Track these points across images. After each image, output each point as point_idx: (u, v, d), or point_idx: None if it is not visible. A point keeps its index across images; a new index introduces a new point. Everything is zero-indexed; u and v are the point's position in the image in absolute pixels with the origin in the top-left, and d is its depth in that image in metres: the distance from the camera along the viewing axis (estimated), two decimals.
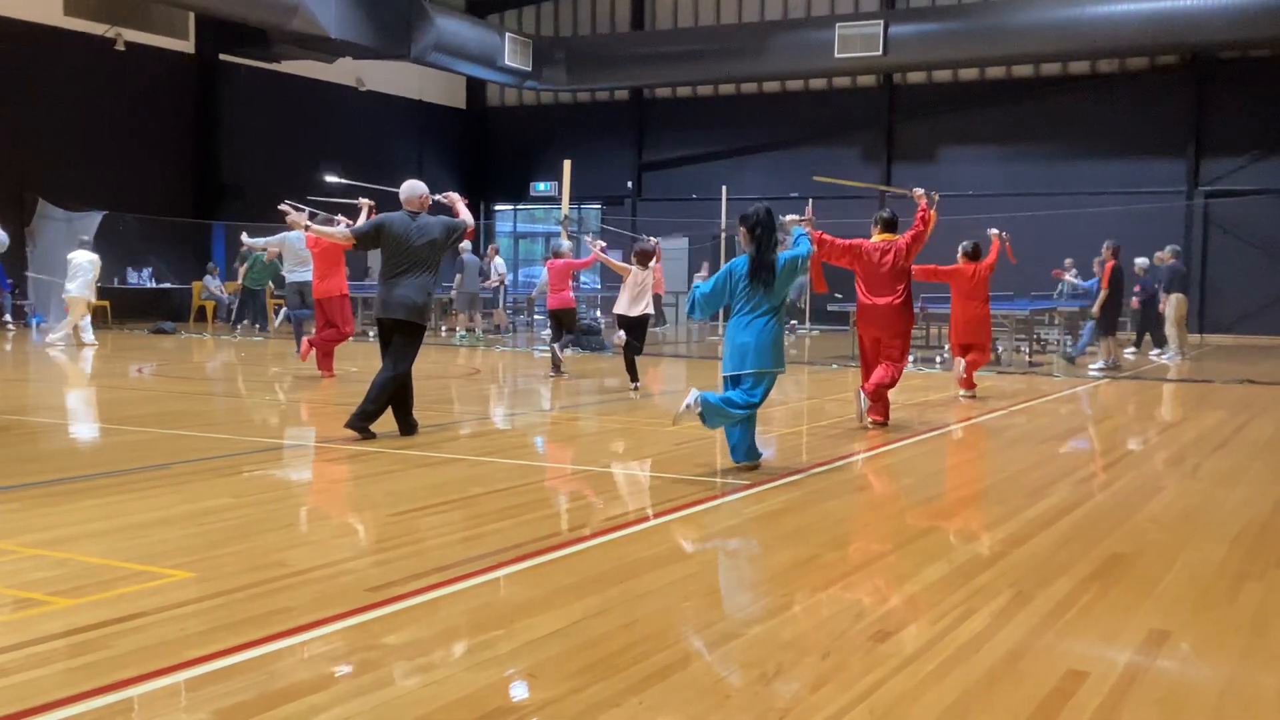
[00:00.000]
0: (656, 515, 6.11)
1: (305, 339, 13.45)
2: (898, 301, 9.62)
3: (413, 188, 8.72)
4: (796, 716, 3.26)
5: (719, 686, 3.50)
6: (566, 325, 14.05)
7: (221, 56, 25.83)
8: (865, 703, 3.37)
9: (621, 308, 12.71)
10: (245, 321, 22.56)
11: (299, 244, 14.90)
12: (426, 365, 14.58)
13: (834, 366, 16.04)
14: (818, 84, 29.53)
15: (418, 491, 6.59)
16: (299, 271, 15.30)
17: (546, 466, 8.00)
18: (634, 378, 12.40)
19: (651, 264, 12.94)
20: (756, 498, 6.57)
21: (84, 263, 17.49)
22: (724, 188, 23.31)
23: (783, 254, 7.41)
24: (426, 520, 5.84)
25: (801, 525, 6.05)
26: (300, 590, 4.43)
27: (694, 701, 3.35)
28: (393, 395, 8.50)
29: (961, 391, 11.99)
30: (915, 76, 28.64)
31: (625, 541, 5.44)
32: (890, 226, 10.00)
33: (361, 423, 8.38)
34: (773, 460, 7.82)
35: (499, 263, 23.75)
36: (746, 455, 7.36)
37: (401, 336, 8.56)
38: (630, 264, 12.90)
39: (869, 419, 9.49)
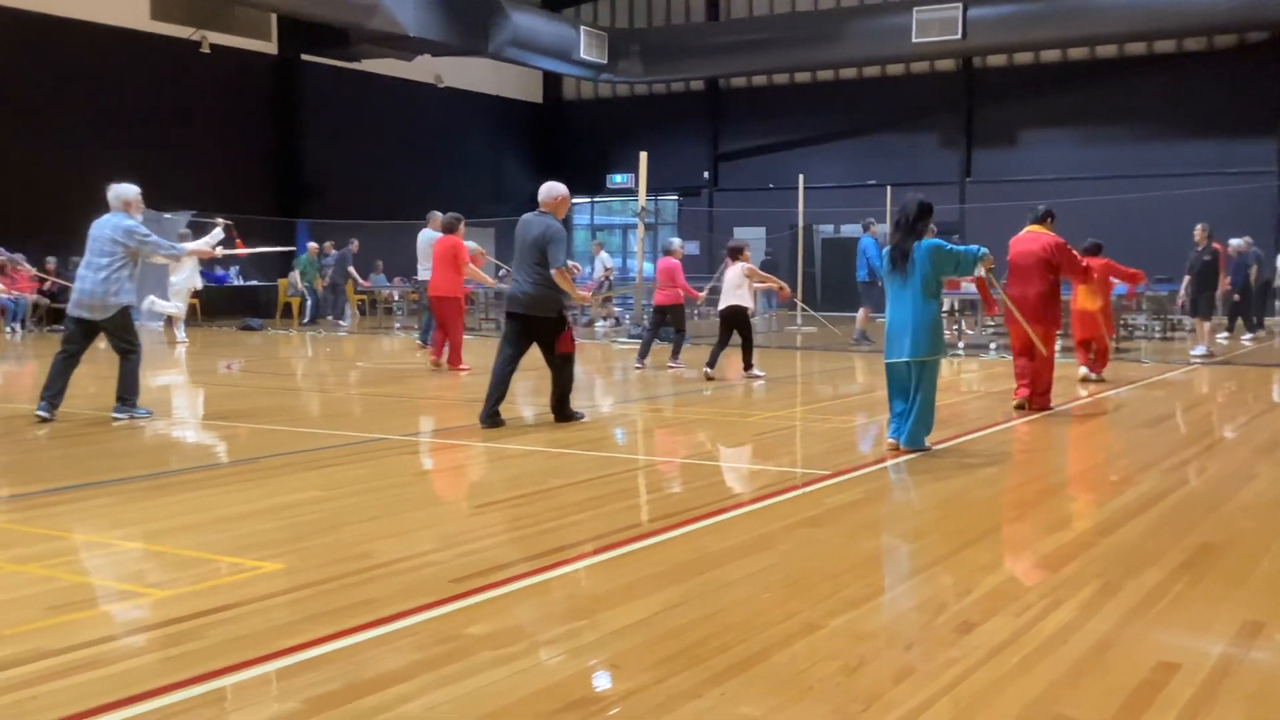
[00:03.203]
0: (736, 506, 6.10)
1: (435, 344, 13.70)
2: None
3: (549, 189, 8.96)
4: (879, 709, 3.24)
5: (800, 678, 3.49)
6: (675, 323, 14.09)
7: (303, 56, 26.29)
8: (949, 695, 3.34)
9: (722, 302, 12.90)
10: (328, 317, 23.00)
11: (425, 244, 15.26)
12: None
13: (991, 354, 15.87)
14: (895, 70, 29.19)
15: (499, 484, 6.67)
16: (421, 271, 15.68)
17: (626, 458, 8.03)
18: (747, 364, 12.70)
19: (740, 259, 12.96)
20: (838, 487, 6.54)
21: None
22: (800, 176, 23.14)
23: (927, 240, 7.50)
24: (507, 512, 5.90)
25: (883, 515, 6.01)
26: (386, 582, 4.51)
27: (775, 693, 3.35)
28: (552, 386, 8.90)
29: (1091, 374, 12.20)
30: (995, 60, 28.17)
31: (705, 532, 5.44)
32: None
33: (561, 411, 8.86)
34: (856, 449, 7.77)
35: (605, 257, 23.77)
36: (910, 439, 7.48)
37: (538, 333, 8.85)
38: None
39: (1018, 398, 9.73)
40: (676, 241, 14.94)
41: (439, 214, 14.76)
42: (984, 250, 7.89)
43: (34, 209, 20.17)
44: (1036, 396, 9.77)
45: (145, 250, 9.02)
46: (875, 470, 7.06)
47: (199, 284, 18.85)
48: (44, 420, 8.76)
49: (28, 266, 12.33)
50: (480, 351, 15.70)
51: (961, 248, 7.75)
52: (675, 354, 14.00)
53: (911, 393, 7.54)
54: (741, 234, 23.33)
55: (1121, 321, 17.24)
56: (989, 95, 28.23)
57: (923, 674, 3.51)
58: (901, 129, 28.91)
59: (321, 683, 3.41)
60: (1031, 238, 9.98)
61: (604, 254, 23.89)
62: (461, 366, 13.31)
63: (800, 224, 23.81)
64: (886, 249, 7.68)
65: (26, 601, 4.24)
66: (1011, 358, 10.12)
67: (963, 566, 4.93)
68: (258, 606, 4.16)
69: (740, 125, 31.17)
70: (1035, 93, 27.58)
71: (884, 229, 22.30)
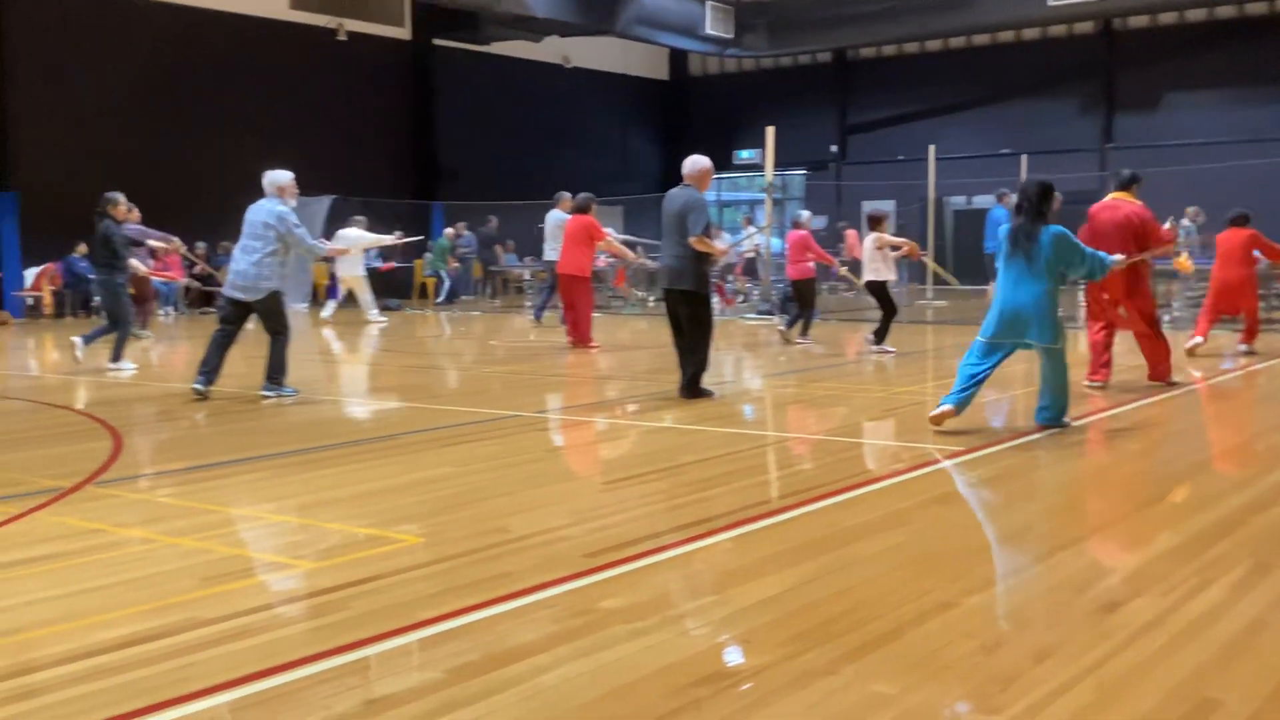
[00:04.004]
0: (869, 482, 6.04)
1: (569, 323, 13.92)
2: None
3: (693, 162, 9.02)
4: (1020, 689, 3.18)
5: (936, 657, 3.45)
6: (805, 297, 14.01)
7: (435, 41, 26.75)
8: (1092, 676, 3.27)
9: (866, 274, 12.88)
10: (465, 297, 23.46)
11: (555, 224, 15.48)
12: (638, 334, 14.82)
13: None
14: (1030, 34, 28.31)
15: (630, 460, 6.72)
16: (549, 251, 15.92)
17: (756, 434, 8.01)
18: (876, 338, 12.57)
19: (878, 229, 12.83)
20: (974, 464, 6.42)
21: (348, 241, 18.45)
22: (931, 147, 22.65)
23: (1055, 226, 7.28)
24: (639, 488, 5.96)
25: (1021, 491, 5.88)
26: (521, 555, 4.60)
27: (910, 671, 3.32)
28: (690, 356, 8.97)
29: (1241, 346, 11.81)
30: (1137, 21, 27.09)
31: (836, 509, 5.40)
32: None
33: (690, 389, 8.93)
34: (991, 424, 7.61)
35: (752, 231, 23.56)
36: (1047, 418, 7.34)
37: (680, 305, 8.94)
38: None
39: (1091, 380, 9.20)
40: (805, 214, 14.82)
41: (567, 195, 14.91)
42: (1115, 259, 7.67)
43: (184, 196, 20.97)
44: (1155, 367, 9.34)
45: (290, 239, 9.31)
46: (1012, 446, 6.90)
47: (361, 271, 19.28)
48: (199, 394, 9.14)
49: (181, 245, 12.85)
50: (609, 330, 15.84)
51: (1091, 251, 7.44)
52: (804, 330, 13.92)
53: (1042, 376, 7.36)
54: (876, 207, 22.97)
55: (1276, 293, 16.48)
56: (1130, 58, 27.17)
57: (1064, 655, 3.43)
58: (1037, 95, 28.04)
59: (461, 653, 3.50)
60: (1114, 205, 9.34)
61: (752, 228, 23.71)
62: (591, 344, 13.44)
63: (931, 196, 23.31)
64: (1004, 228, 7.45)
65: (183, 573, 4.45)
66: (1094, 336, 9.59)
67: (1105, 545, 4.80)
68: (399, 579, 4.28)
69: (869, 96, 30.65)
70: (1180, 54, 26.44)
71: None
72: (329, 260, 18.58)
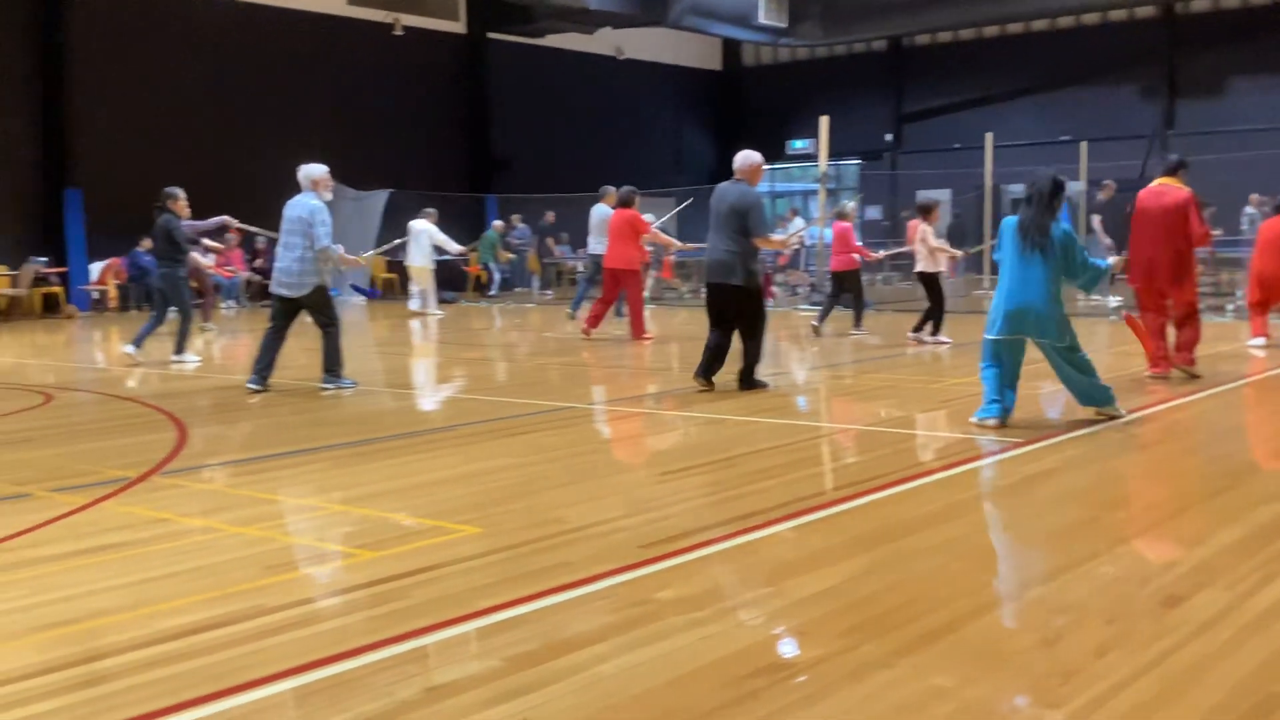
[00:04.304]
0: (924, 474, 6.00)
1: (593, 312, 13.97)
2: None
3: (744, 157, 9.01)
4: (1081, 683, 3.15)
5: (995, 650, 3.43)
6: (850, 288, 13.94)
7: (489, 35, 26.89)
8: (1155, 670, 3.23)
9: (917, 266, 12.78)
10: (519, 289, 23.55)
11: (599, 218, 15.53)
12: (693, 326, 14.82)
13: (1112, 318, 15.24)
14: (1090, 19, 27.88)
15: (685, 451, 6.73)
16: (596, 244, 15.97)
17: (811, 426, 7.99)
18: (933, 329, 12.49)
19: (927, 220, 12.72)
20: (1032, 456, 6.35)
21: (417, 231, 18.67)
22: (988, 135, 22.39)
23: (1066, 226, 7.13)
24: (694, 479, 5.96)
25: (1081, 484, 5.81)
26: (578, 546, 4.63)
27: (969, 664, 3.30)
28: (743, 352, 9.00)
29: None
30: (1200, 4, 26.60)
31: (892, 501, 5.38)
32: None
33: (745, 381, 8.96)
34: (1048, 416, 7.53)
35: (799, 223, 23.51)
36: (1092, 400, 7.23)
37: (731, 300, 8.95)
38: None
39: (1153, 372, 9.07)
40: (849, 204, 14.73)
41: (612, 189, 14.92)
42: (1109, 263, 7.52)
43: (243, 191, 21.27)
44: (1180, 352, 9.14)
45: (311, 234, 9.17)
46: (1069, 439, 6.82)
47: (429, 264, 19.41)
48: (255, 392, 9.28)
49: (234, 220, 13.02)
50: (661, 321, 15.85)
51: (1093, 261, 7.21)
52: (857, 321, 13.84)
53: (1065, 373, 7.18)
54: (927, 196, 22.78)
55: None
56: (1193, 42, 26.68)
57: (1126, 649, 3.40)
58: (1096, 81, 27.61)
59: (520, 642, 3.53)
60: (1160, 191, 9.15)
61: (798, 220, 23.61)
62: (645, 335, 13.47)
63: (988, 184, 23.05)
64: (1011, 220, 7.18)
65: (247, 561, 4.52)
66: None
67: (1167, 538, 4.74)
68: (457, 568, 4.33)
69: (924, 84, 30.36)
70: (1243, 38, 25.91)
71: (1076, 186, 21.42)
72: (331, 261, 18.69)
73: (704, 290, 9.23)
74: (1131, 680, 3.16)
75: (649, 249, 15.63)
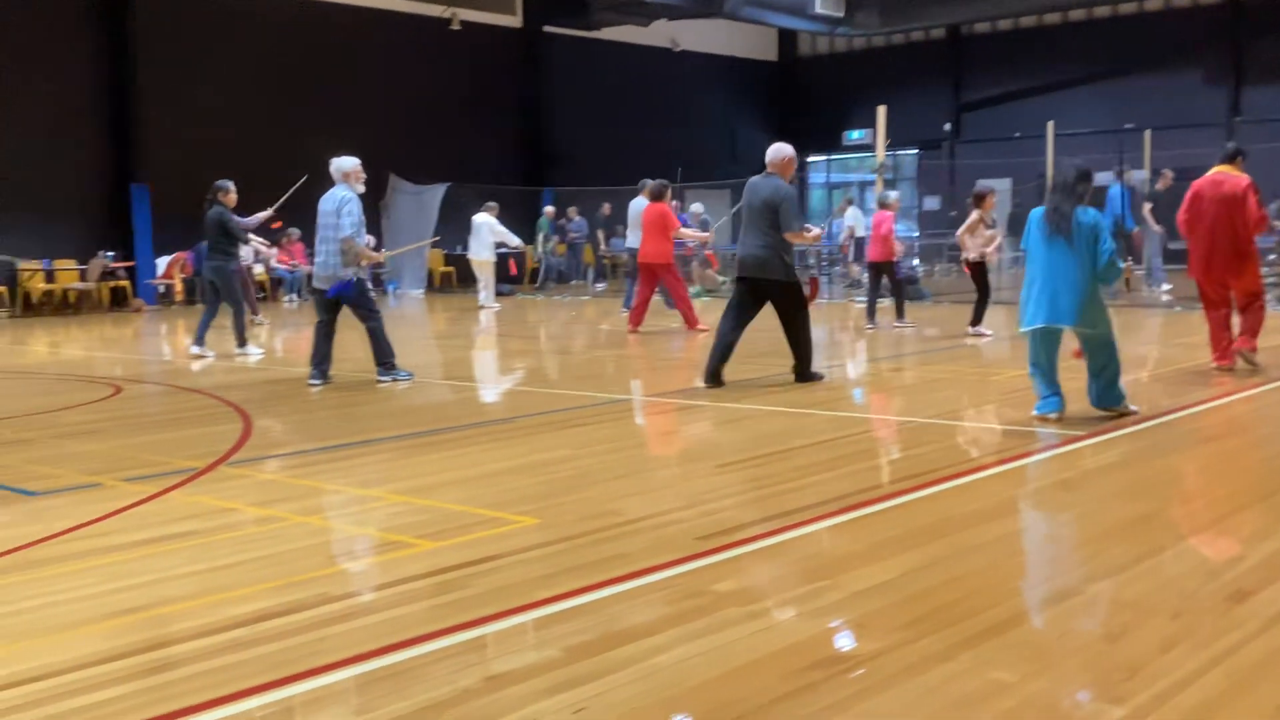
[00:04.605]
0: (983, 468, 5.96)
1: (633, 311, 13.98)
2: None
3: (777, 150, 8.97)
4: (1145, 679, 3.12)
5: (1057, 644, 3.40)
6: (892, 280, 13.84)
7: (545, 28, 26.97)
8: (1221, 666, 3.19)
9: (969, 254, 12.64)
10: (575, 282, 23.61)
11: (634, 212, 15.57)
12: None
13: (1176, 309, 15.00)
14: (1153, 5, 27.41)
15: (741, 443, 6.73)
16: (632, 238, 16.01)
17: (866, 418, 7.96)
18: (974, 319, 12.32)
19: (981, 207, 12.57)
20: (1093, 449, 6.28)
21: (478, 225, 18.86)
22: (1050, 123, 22.07)
23: (1092, 214, 6.96)
24: (750, 472, 5.96)
25: (1144, 478, 5.74)
26: (635, 538, 4.65)
27: (1030, 659, 3.28)
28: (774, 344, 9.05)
29: None
30: None
31: (950, 494, 5.34)
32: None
33: (802, 374, 8.90)
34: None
35: (854, 213, 23.29)
36: (1105, 401, 7.06)
37: (770, 296, 8.89)
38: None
39: (1219, 364, 8.92)
40: (892, 194, 14.58)
41: (650, 182, 14.91)
42: (1123, 265, 7.35)
43: (307, 185, 21.58)
44: (1241, 335, 8.95)
45: (340, 223, 9.18)
46: (1131, 432, 6.73)
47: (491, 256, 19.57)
48: (315, 386, 9.38)
49: (269, 214, 13.19)
50: (714, 313, 15.81)
51: (1114, 257, 7.00)
52: (899, 313, 13.69)
53: (1094, 362, 7.03)
54: (984, 184, 22.51)
55: None
56: (1259, 28, 26.08)
57: (1192, 644, 3.36)
58: (1160, 68, 27.10)
59: (578, 632, 3.56)
60: (1218, 180, 8.94)
61: (853, 209, 23.42)
62: (699, 326, 13.48)
63: (1049, 173, 22.74)
64: (1038, 210, 7.07)
65: (310, 551, 4.60)
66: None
67: (1234, 532, 4.66)
68: (517, 559, 4.37)
69: (984, 73, 29.99)
70: None
71: (1139, 175, 21.07)
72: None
73: (739, 284, 9.13)
74: (1197, 676, 3.12)
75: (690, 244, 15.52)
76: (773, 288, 8.86)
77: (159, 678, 3.28)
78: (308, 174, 12.46)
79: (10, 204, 19.67)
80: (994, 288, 12.84)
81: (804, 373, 8.97)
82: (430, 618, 3.74)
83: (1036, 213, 7.10)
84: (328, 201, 9.36)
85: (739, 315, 9.00)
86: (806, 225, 9.12)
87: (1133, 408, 7.09)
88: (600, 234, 25.06)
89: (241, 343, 11.87)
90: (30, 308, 19.83)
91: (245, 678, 3.25)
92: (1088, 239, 6.83)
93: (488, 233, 18.69)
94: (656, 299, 14.57)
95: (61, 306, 20.03)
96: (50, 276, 20.17)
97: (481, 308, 18.69)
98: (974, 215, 12.47)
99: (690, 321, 13.55)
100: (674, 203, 14.94)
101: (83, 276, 20.18)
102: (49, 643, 3.58)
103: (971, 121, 30.42)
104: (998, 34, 30.00)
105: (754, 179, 9.05)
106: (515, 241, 19.15)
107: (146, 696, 3.14)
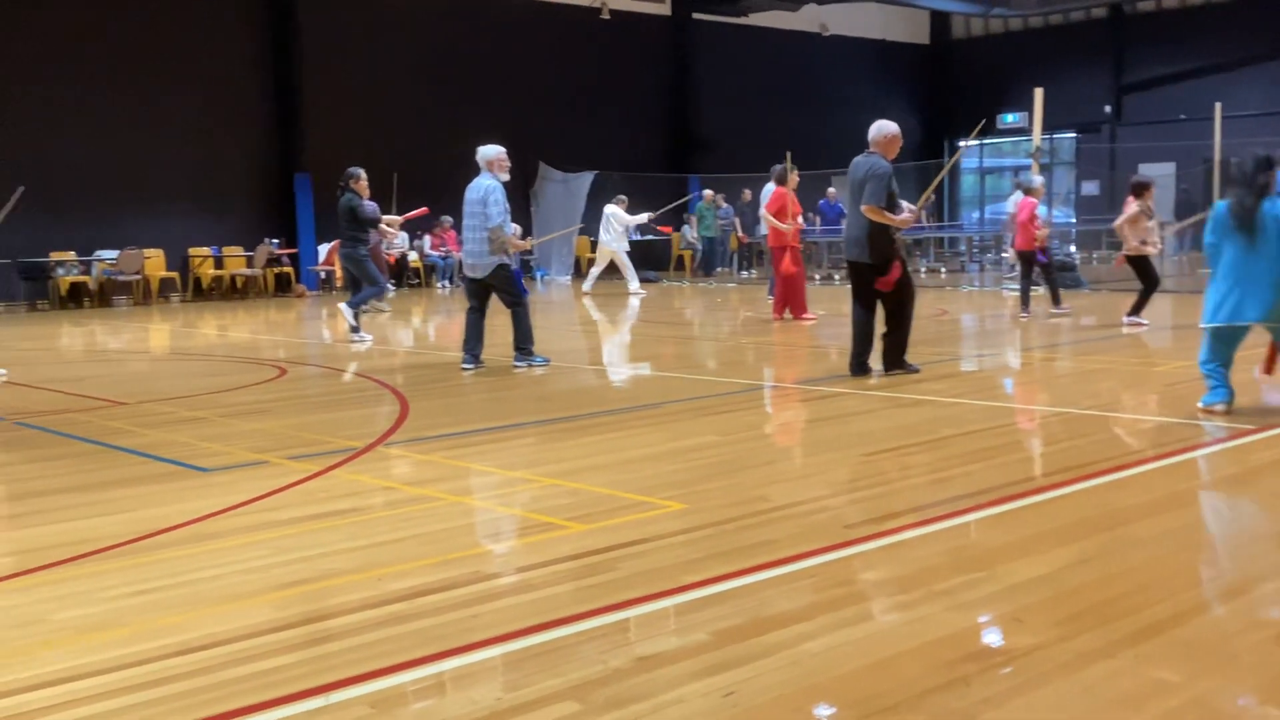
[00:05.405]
0: (1145, 460, 5.75)
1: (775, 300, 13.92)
2: None
3: (879, 128, 8.76)
4: None
5: (1223, 645, 3.27)
6: (1038, 264, 13.45)
7: (694, 15, 26.99)
8: None
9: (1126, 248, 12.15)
10: (723, 268, 23.63)
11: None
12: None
13: None
14: None
15: (889, 432, 6.64)
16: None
17: (1019, 408, 7.76)
18: (1134, 308, 11.92)
19: (1140, 198, 12.07)
20: (1262, 444, 6.00)
21: (608, 216, 19.19)
22: (1217, 105, 21.10)
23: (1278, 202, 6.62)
24: (898, 461, 5.88)
25: None
26: (781, 525, 4.64)
27: (1194, 659, 3.16)
28: (871, 334, 8.72)
29: None
30: None
31: (1110, 487, 5.18)
32: None
33: (891, 362, 8.72)
34: (1277, 403, 7.10)
35: (1018, 197, 22.60)
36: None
37: (865, 277, 8.73)
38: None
39: None
40: (1037, 179, 14.18)
41: (778, 167, 14.77)
42: None
43: (458, 173, 22.11)
44: None
45: (487, 212, 9.33)
46: None
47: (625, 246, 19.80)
48: (468, 371, 9.61)
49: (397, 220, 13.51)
50: (822, 300, 15.58)
51: None
52: (1055, 300, 13.30)
53: None
54: (1149, 170, 21.67)
55: None
56: None
57: None
58: None
59: (726, 617, 3.58)
60: None
61: (1019, 194, 22.74)
62: (805, 316, 13.35)
63: (1216, 157, 21.74)
64: (1222, 204, 6.73)
65: (466, 530, 4.73)
66: None
67: None
68: (664, 543, 4.41)
69: (1147, 53, 28.82)
70: None
71: None
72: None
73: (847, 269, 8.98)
74: None
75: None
76: (868, 269, 8.62)
77: (320, 648, 3.41)
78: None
79: (183, 194, 20.68)
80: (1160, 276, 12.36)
81: (895, 361, 8.66)
82: (580, 598, 3.80)
83: (1221, 206, 6.82)
84: (473, 190, 9.55)
85: (862, 300, 8.73)
86: (909, 206, 8.87)
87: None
88: (737, 220, 25.01)
89: (356, 329, 12.13)
90: (200, 292, 20.82)
91: (405, 650, 3.36)
92: (1276, 232, 6.51)
93: (615, 223, 18.97)
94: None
95: (229, 291, 20.98)
96: (219, 263, 21.13)
97: (631, 294, 18.88)
98: (1134, 207, 11.98)
99: (790, 309, 13.44)
100: (830, 189, 14.79)
101: (249, 263, 21.07)
102: (219, 612, 3.76)
103: (1133, 103, 29.29)
104: (1163, 12, 28.82)
105: (856, 158, 8.75)
106: (642, 219, 19.29)
107: (309, 666, 3.27)
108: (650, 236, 26.25)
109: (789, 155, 14.45)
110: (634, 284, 19.29)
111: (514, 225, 9.76)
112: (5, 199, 10.15)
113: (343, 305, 12.35)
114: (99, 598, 3.94)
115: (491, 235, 9.36)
